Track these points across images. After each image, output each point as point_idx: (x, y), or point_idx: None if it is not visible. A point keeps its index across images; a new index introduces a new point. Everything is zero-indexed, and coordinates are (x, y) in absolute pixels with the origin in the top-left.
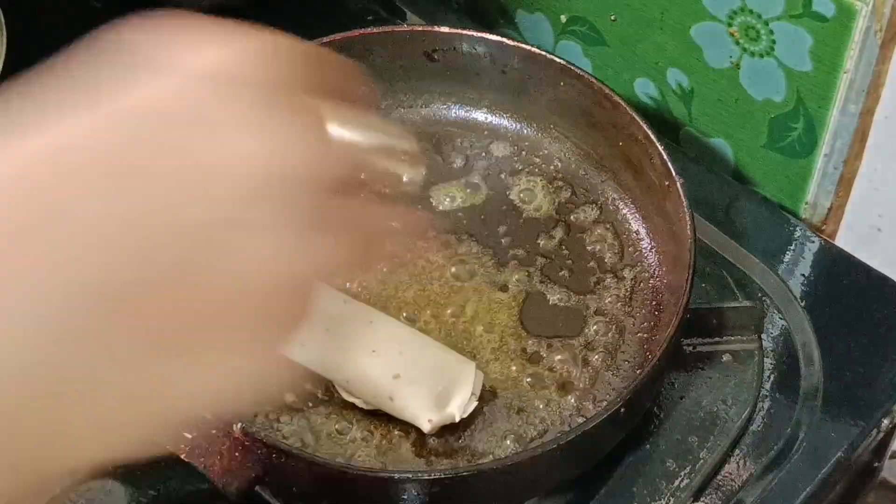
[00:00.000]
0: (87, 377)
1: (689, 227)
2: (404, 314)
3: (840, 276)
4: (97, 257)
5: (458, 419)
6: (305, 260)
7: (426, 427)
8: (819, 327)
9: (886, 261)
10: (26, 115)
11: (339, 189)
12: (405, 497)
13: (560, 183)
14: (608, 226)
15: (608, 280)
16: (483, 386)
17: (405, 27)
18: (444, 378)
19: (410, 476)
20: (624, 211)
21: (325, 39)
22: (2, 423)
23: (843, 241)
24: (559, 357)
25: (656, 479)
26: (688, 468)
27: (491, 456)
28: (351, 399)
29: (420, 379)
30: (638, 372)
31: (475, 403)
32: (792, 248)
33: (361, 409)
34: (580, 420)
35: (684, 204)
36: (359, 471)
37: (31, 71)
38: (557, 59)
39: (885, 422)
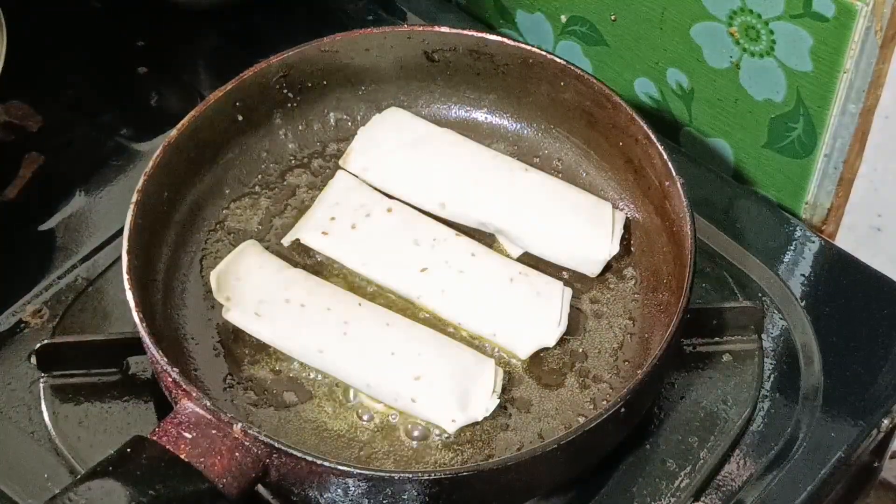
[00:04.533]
0: None
1: (689, 227)
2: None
3: (840, 276)
4: None
5: (481, 418)
6: None
7: (451, 428)
8: (819, 327)
9: (886, 261)
10: None
11: None
12: (405, 497)
13: None
14: None
15: (609, 280)
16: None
17: (405, 27)
18: (465, 378)
19: (410, 476)
20: (624, 211)
21: (326, 39)
22: None
23: (843, 241)
24: (559, 357)
25: (656, 479)
26: (688, 468)
27: (491, 456)
28: (370, 403)
29: (441, 379)
30: (638, 372)
31: (497, 401)
32: (792, 248)
33: (362, 410)
34: (580, 420)
35: (684, 204)
36: (359, 471)
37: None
38: (557, 59)
39: (885, 422)
